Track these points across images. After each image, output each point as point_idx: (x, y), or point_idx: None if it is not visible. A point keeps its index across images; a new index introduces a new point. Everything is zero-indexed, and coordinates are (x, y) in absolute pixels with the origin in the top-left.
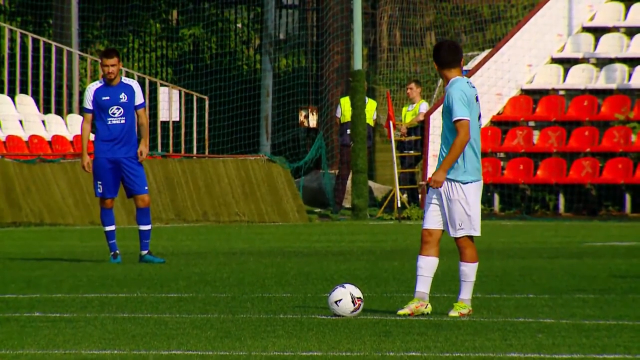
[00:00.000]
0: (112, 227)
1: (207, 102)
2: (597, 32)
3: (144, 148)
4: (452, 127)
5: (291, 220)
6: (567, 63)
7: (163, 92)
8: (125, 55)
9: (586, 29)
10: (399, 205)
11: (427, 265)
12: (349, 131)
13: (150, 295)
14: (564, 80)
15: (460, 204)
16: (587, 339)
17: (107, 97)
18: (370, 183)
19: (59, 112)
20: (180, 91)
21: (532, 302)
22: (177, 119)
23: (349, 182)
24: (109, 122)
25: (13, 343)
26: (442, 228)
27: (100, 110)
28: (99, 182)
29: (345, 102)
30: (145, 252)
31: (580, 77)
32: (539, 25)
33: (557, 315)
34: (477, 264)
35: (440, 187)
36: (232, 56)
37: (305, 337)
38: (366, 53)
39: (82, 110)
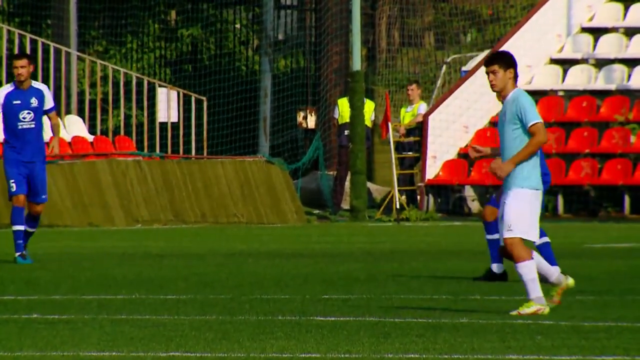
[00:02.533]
0: (22, 227)
1: (205, 103)
2: (596, 32)
3: (55, 144)
4: (514, 136)
5: (289, 221)
6: (566, 64)
7: (161, 93)
8: (123, 55)
9: (585, 30)
10: (398, 206)
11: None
12: (347, 132)
13: (148, 297)
14: (563, 80)
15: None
16: (586, 341)
17: (19, 102)
18: (369, 184)
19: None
20: (178, 92)
21: None
22: (176, 120)
23: (347, 183)
24: (19, 127)
25: (11, 344)
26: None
27: (10, 113)
28: (12, 181)
29: (344, 103)
30: (19, 254)
31: (579, 78)
32: (538, 26)
33: (556, 316)
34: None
35: (503, 178)
36: (231, 57)
37: (304, 339)
38: (365, 54)
39: None
